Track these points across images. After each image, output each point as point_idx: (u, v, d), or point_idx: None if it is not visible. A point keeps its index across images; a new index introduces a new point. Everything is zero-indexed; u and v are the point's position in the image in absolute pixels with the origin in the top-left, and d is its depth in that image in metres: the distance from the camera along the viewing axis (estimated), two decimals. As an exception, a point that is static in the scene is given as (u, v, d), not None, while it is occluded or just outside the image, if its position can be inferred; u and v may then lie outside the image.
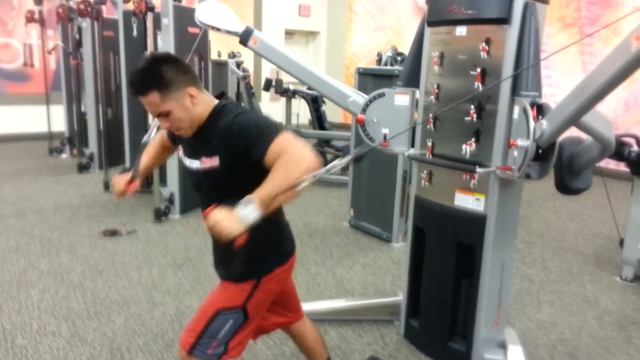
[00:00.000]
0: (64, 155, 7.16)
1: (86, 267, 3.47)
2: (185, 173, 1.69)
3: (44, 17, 6.94)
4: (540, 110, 2.02)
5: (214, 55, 7.56)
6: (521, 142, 1.97)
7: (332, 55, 11.20)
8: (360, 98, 2.64)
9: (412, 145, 2.58)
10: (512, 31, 2.09)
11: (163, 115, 1.51)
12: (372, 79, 4.27)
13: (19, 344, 2.54)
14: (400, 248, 3.99)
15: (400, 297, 2.79)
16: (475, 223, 2.29)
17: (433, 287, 2.51)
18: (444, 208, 2.39)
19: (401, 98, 2.56)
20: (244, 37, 2.66)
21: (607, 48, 6.48)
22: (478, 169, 2.19)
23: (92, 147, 6.44)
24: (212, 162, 1.52)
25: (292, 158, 1.39)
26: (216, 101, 1.60)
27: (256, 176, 1.42)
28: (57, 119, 7.19)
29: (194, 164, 1.59)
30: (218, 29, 2.62)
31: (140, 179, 1.82)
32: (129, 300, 3.03)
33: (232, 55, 7.45)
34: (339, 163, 1.93)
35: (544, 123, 1.90)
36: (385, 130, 2.58)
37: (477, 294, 2.35)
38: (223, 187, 1.56)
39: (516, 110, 2.08)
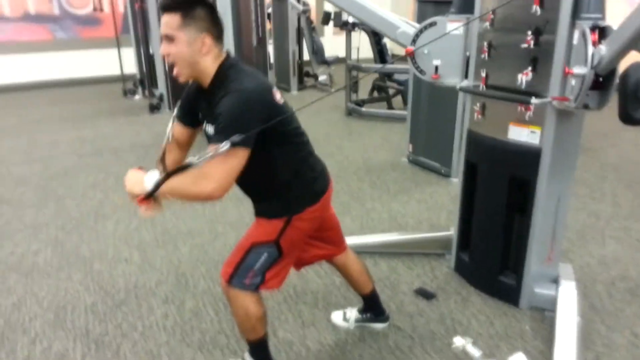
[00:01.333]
0: (137, 97, 7.49)
1: (156, 201, 3.72)
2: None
3: (110, -40, 7.09)
4: (603, 33, 1.85)
5: (274, -10, 7.47)
6: (577, 70, 1.84)
7: (398, -17, 10.66)
8: (411, 28, 2.54)
9: (466, 77, 2.47)
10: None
11: (169, 38, 1.51)
12: (432, 7, 4.05)
13: (97, 268, 2.82)
14: (459, 183, 3.91)
15: (451, 230, 2.78)
16: (529, 157, 2.20)
17: (484, 222, 2.47)
18: (497, 142, 2.31)
19: (454, 26, 2.43)
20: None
21: None
22: (533, 100, 2.08)
23: (161, 88, 6.68)
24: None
25: (203, 174, 1.44)
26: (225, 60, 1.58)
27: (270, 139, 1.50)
28: (129, 61, 7.48)
29: (209, 128, 1.60)
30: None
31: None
32: (193, 231, 3.24)
33: (293, -12, 7.30)
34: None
35: (603, 48, 1.75)
36: (436, 62, 2.48)
37: (529, 229, 2.30)
38: None
39: (576, 34, 1.93)
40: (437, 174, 4.14)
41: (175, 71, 1.56)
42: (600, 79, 1.87)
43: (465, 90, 2.44)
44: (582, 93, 1.87)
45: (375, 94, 6.72)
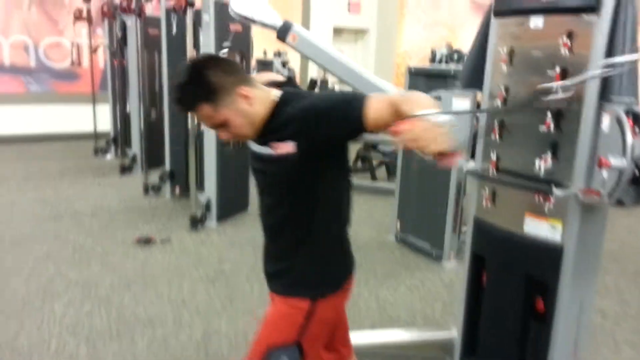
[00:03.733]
0: (108, 156, 7.12)
1: (115, 279, 3.29)
2: (252, 160, 1.47)
3: (92, 15, 6.91)
4: (637, 120, 1.62)
5: (259, 54, 7.38)
6: (615, 162, 1.58)
7: (381, 54, 10.80)
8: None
9: (472, 157, 2.21)
10: (602, 23, 1.70)
11: (219, 126, 1.33)
12: (424, 80, 3.91)
13: (33, 367, 2.36)
14: (452, 268, 3.60)
15: (453, 331, 2.42)
16: (549, 255, 1.90)
17: (495, 327, 2.13)
18: (511, 235, 2.01)
19: (460, 102, 2.20)
20: (282, 32, 2.38)
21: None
22: (556, 190, 1.80)
23: (135, 148, 6.34)
24: (288, 147, 1.31)
25: (404, 97, 1.24)
26: (274, 92, 1.39)
27: (332, 167, 1.39)
28: (103, 119, 7.17)
29: (264, 150, 1.37)
30: (253, 21, 2.35)
31: None
32: (154, 319, 2.80)
33: (278, 54, 7.23)
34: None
35: (646, 138, 1.50)
36: (440, 140, 2.22)
37: (549, 339, 1.96)
38: (293, 177, 1.37)
39: (606, 119, 1.69)
40: (427, 255, 3.81)
41: (244, 139, 1.40)
42: (637, 173, 1.61)
43: (472, 174, 2.17)
44: (619, 188, 1.60)
45: (359, 164, 6.51)
